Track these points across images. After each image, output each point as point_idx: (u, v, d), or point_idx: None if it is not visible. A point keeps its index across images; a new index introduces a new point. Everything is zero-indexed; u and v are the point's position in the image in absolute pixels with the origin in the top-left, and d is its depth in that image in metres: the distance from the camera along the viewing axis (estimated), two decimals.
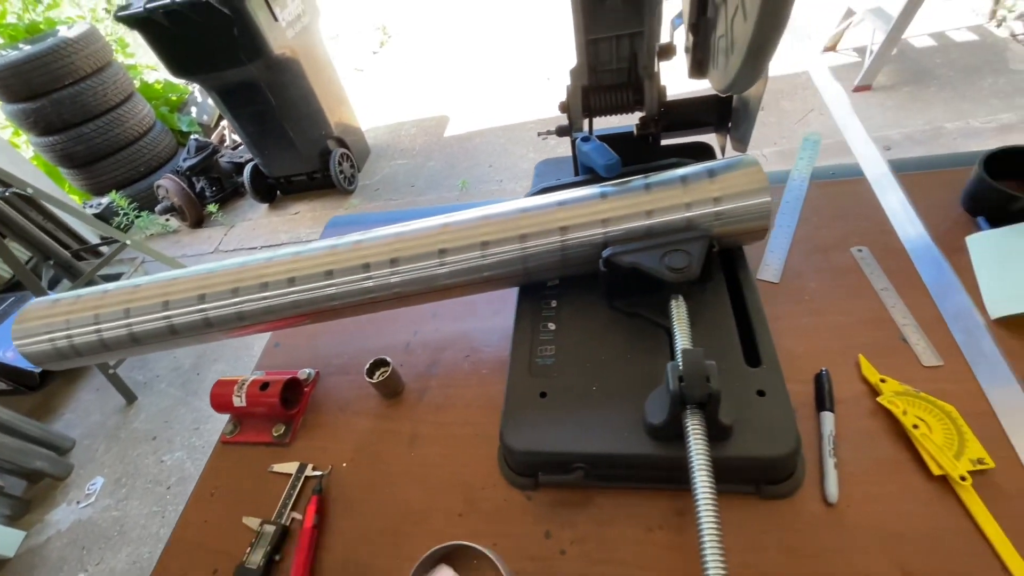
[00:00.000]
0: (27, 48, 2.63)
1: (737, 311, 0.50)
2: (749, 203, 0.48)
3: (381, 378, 0.57)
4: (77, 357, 0.62)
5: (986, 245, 0.55)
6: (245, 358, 2.04)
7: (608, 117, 0.65)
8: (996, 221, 0.56)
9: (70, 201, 2.89)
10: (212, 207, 2.88)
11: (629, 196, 0.51)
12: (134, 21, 2.05)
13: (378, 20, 4.99)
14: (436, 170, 2.79)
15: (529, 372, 0.50)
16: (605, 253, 0.48)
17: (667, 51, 0.60)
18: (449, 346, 0.63)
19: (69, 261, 2.00)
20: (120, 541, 1.62)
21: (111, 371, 1.93)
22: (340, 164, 2.65)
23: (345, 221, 0.87)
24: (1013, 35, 2.43)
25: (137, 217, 2.91)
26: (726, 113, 0.63)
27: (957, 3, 2.76)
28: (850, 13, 2.50)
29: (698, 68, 0.57)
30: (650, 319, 0.51)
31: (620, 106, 0.63)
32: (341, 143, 2.70)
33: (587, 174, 0.61)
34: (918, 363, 0.49)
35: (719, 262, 0.54)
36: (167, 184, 2.77)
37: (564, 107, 0.64)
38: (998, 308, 0.50)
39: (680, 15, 0.61)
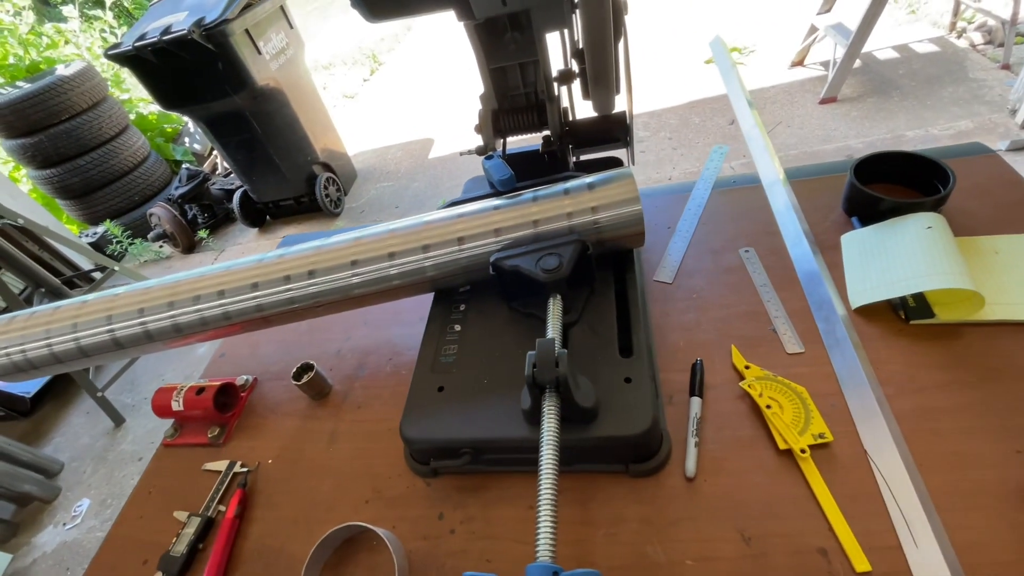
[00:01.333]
0: (26, 86, 2.75)
1: (620, 309, 0.55)
2: (622, 211, 0.53)
3: (307, 380, 0.62)
4: (33, 370, 0.67)
5: (855, 242, 0.60)
6: None
7: (521, 136, 0.72)
8: (867, 220, 0.61)
9: (64, 231, 2.98)
10: (203, 233, 2.96)
11: (518, 208, 0.56)
12: (124, 59, 2.15)
13: (368, 49, 5.16)
14: (420, 191, 2.87)
15: (432, 369, 0.55)
16: (492, 258, 0.54)
17: (567, 76, 0.66)
18: (375, 350, 0.68)
19: (60, 288, 2.07)
20: None
21: (99, 394, 1.98)
22: (326, 188, 2.73)
23: (295, 240, 0.92)
24: (972, 45, 2.51)
25: (131, 244, 2.99)
26: (626, 129, 0.69)
27: (919, 17, 2.85)
28: (814, 29, 2.60)
29: (587, 91, 0.63)
30: (540, 318, 0.55)
31: (527, 127, 0.69)
32: (327, 168, 2.79)
33: (492, 189, 0.66)
34: (783, 351, 0.53)
35: (610, 266, 0.59)
36: (159, 212, 2.85)
37: (478, 129, 0.70)
38: (857, 298, 0.55)
39: None
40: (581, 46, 0.61)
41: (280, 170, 2.63)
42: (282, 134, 2.54)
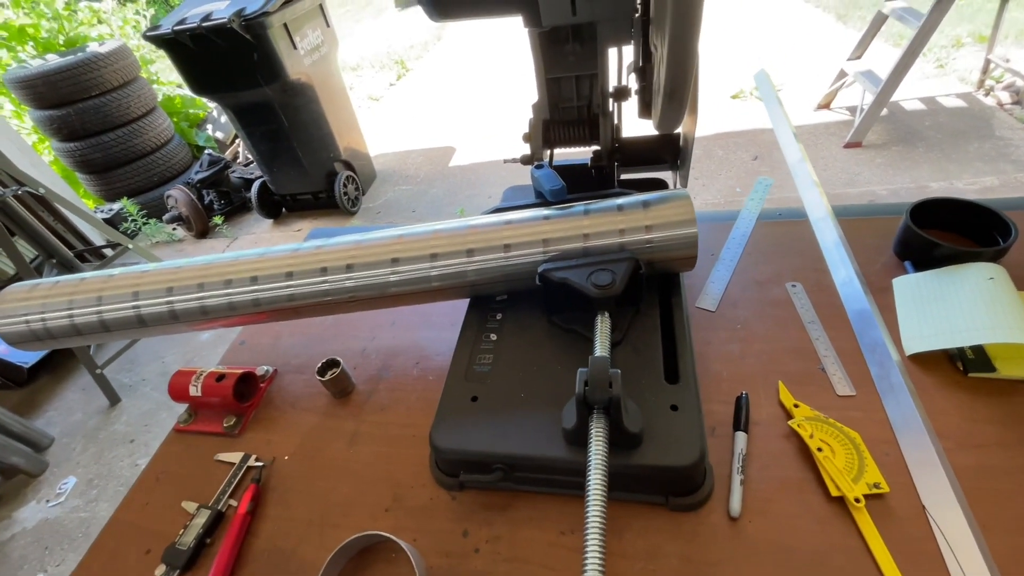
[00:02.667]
0: (59, 59, 2.78)
1: (666, 333, 0.53)
2: (677, 233, 0.52)
3: (331, 377, 0.60)
4: (51, 339, 0.65)
5: (909, 287, 0.58)
6: None
7: (568, 149, 0.71)
8: (921, 265, 0.60)
9: (81, 204, 2.98)
10: (218, 219, 2.96)
11: (569, 219, 0.54)
12: (161, 41, 2.17)
13: (397, 55, 5.23)
14: (438, 197, 2.87)
15: (465, 377, 0.53)
16: (540, 268, 0.52)
17: (622, 94, 0.65)
18: (402, 352, 0.66)
19: (72, 261, 2.06)
20: (84, 543, 1.60)
21: (98, 371, 1.95)
22: (345, 186, 2.74)
23: (324, 233, 0.91)
24: (1000, 104, 2.52)
25: (145, 224, 2.99)
26: (677, 153, 0.68)
27: (947, 71, 2.88)
28: (843, 74, 2.62)
29: (645, 109, 0.62)
30: (583, 334, 0.54)
31: (577, 139, 0.68)
32: (348, 166, 2.80)
33: (539, 199, 0.65)
34: (833, 392, 0.51)
35: (655, 288, 0.57)
36: (177, 194, 2.86)
37: (527, 138, 0.69)
38: (913, 345, 0.53)
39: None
40: (642, 63, 0.61)
41: (302, 164, 2.64)
42: (307, 129, 2.55)
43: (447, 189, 2.92)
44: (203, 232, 2.94)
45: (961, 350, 0.51)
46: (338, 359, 0.61)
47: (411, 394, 0.60)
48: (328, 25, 2.57)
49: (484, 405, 0.50)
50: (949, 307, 0.53)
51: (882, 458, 0.45)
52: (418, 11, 6.70)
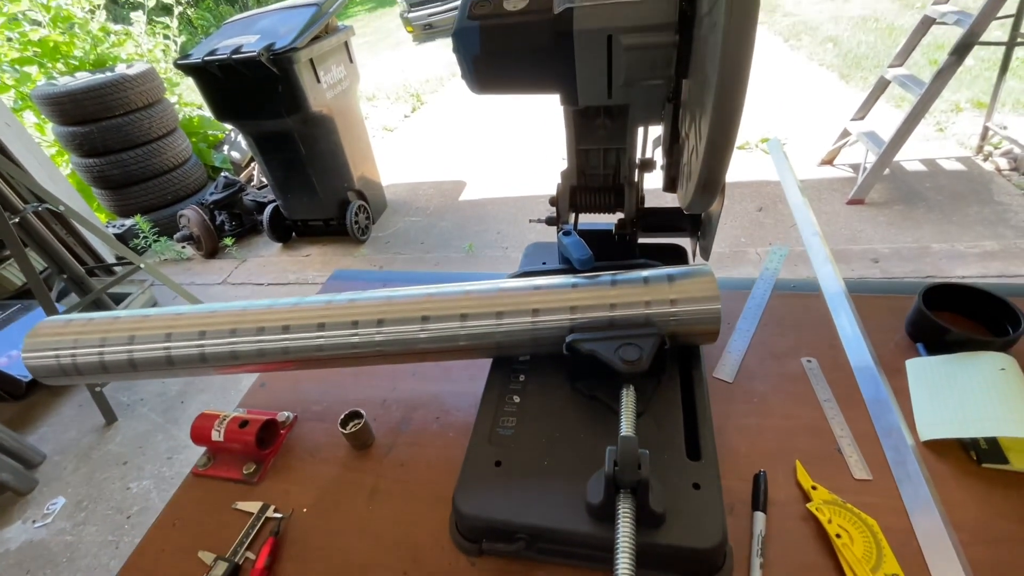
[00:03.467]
0: (88, 78, 2.87)
1: (686, 406, 0.55)
2: (701, 308, 0.54)
3: (353, 429, 0.61)
4: (77, 375, 0.66)
5: (922, 371, 0.60)
6: (232, 391, 2.06)
7: (592, 214, 0.73)
8: (933, 349, 0.61)
9: (95, 220, 3.02)
10: (228, 240, 2.99)
11: (596, 289, 0.56)
12: (191, 69, 2.25)
13: (413, 87, 5.38)
14: (447, 230, 2.91)
15: (489, 440, 0.54)
16: (568, 338, 0.54)
17: (647, 165, 0.68)
18: (423, 406, 0.67)
19: (82, 277, 2.07)
20: (67, 569, 1.56)
21: (98, 389, 1.94)
22: (357, 215, 2.78)
23: (347, 276, 0.93)
24: (998, 169, 2.60)
25: (155, 241, 3.02)
26: (698, 223, 0.70)
27: (947, 135, 2.97)
28: (846, 133, 2.70)
29: (671, 184, 0.65)
30: (606, 403, 0.55)
31: (603, 206, 0.71)
32: (360, 195, 2.85)
33: (565, 264, 0.67)
34: (850, 475, 0.52)
35: (676, 358, 0.59)
36: (190, 214, 2.90)
37: (554, 201, 0.72)
38: (928, 431, 0.54)
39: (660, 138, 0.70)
40: (670, 143, 0.64)
41: (315, 191, 2.69)
42: (324, 158, 2.61)
43: (456, 223, 2.97)
44: (212, 252, 2.97)
45: (975, 440, 0.52)
46: (361, 411, 0.62)
47: (431, 450, 0.61)
48: (351, 61, 2.67)
49: (508, 471, 0.51)
50: (962, 395, 0.54)
51: (900, 548, 0.46)
52: (435, 45, 6.92)
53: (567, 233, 0.66)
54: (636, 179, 0.69)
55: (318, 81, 2.37)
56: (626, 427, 0.47)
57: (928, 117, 3.10)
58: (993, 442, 0.51)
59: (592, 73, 0.53)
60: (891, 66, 2.50)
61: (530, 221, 0.79)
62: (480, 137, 4.03)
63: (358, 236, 2.82)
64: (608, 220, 0.75)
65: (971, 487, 0.49)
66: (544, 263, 0.78)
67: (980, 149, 2.72)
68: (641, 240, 0.77)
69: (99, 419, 2.01)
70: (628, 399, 0.50)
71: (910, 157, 2.76)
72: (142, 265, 2.08)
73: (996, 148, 2.70)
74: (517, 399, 0.58)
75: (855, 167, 2.73)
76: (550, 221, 0.74)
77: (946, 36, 2.85)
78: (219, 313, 0.63)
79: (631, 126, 0.62)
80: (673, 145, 0.62)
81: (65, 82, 2.88)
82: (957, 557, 0.44)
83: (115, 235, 2.96)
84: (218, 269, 2.90)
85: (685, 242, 0.75)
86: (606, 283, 0.57)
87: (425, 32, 7.36)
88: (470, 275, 0.90)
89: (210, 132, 3.83)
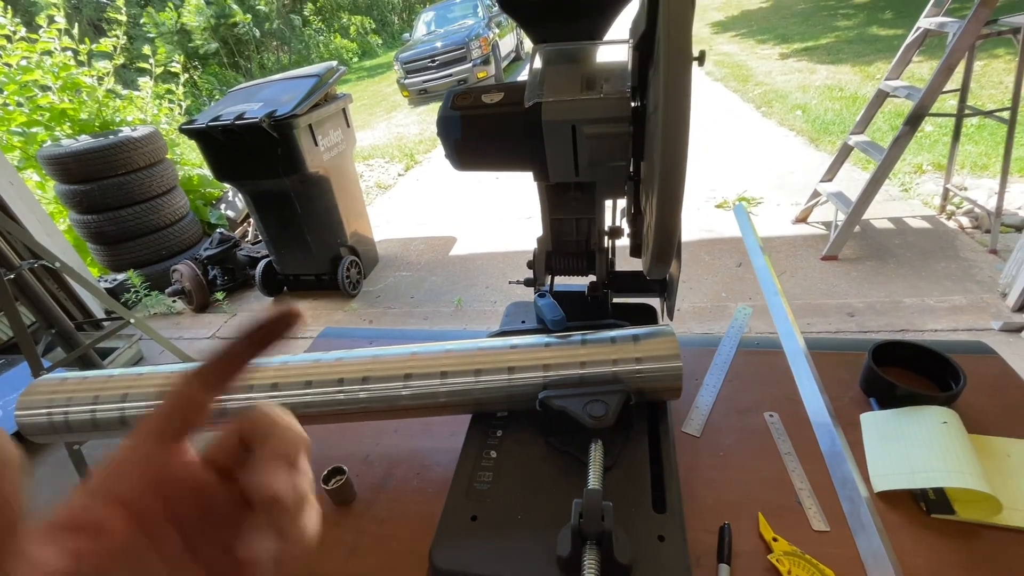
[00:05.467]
0: (92, 140, 2.99)
1: (654, 460, 0.58)
2: (664, 366, 0.58)
3: (335, 485, 0.62)
4: (68, 432, 0.68)
5: (874, 424, 0.64)
6: None
7: (568, 277, 0.79)
8: (884, 403, 0.66)
9: (88, 275, 3.05)
10: (220, 294, 3.02)
11: (568, 348, 0.61)
12: (194, 133, 2.37)
13: (407, 147, 5.62)
14: (436, 285, 2.97)
15: (466, 495, 0.56)
16: (541, 395, 0.57)
17: (616, 232, 0.75)
18: (404, 461, 0.69)
19: (71, 332, 2.08)
20: None
21: (76, 447, 1.90)
22: (348, 270, 2.84)
23: (336, 333, 0.97)
24: (962, 227, 2.74)
25: (146, 296, 3.04)
26: (664, 284, 0.76)
27: (911, 195, 3.14)
28: (817, 194, 2.85)
29: (636, 250, 0.71)
30: (577, 457, 0.58)
31: (576, 270, 0.76)
32: (353, 251, 2.92)
33: (540, 324, 0.71)
34: (809, 526, 0.55)
35: (644, 414, 0.62)
36: (183, 268, 2.94)
37: (531, 264, 0.78)
38: (880, 482, 0.57)
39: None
40: (633, 212, 0.70)
41: (309, 247, 2.76)
42: (318, 216, 2.70)
43: (446, 278, 3.03)
44: (203, 306, 2.99)
45: (923, 490, 0.55)
46: (343, 467, 0.64)
47: (411, 506, 0.63)
48: (348, 126, 2.82)
49: (484, 525, 0.53)
50: (910, 447, 0.58)
51: None
52: (428, 108, 7.24)
53: (542, 295, 0.71)
54: (606, 245, 0.75)
55: (316, 144, 2.50)
56: (592, 480, 0.50)
57: (893, 178, 3.30)
58: (941, 492, 0.55)
59: (560, 156, 0.60)
60: (853, 133, 2.69)
61: (510, 283, 0.84)
62: (470, 195, 4.18)
63: (349, 291, 2.87)
64: (582, 282, 0.81)
65: (921, 537, 0.52)
66: (523, 322, 0.83)
67: (943, 208, 2.88)
68: (616, 300, 0.82)
69: (75, 479, 1.95)
70: (596, 453, 0.53)
71: (879, 215, 2.91)
72: (131, 320, 2.10)
73: (958, 208, 2.85)
74: (494, 454, 0.61)
75: (827, 224, 2.86)
76: (528, 282, 0.79)
77: (905, 105, 3.08)
78: None
79: (598, 199, 0.69)
80: (636, 216, 0.69)
81: (69, 144, 2.99)
82: None
83: (106, 289, 2.98)
84: (207, 323, 2.91)
85: (655, 301, 0.81)
86: (576, 342, 0.62)
87: (420, 96, 7.77)
88: (454, 333, 0.94)
89: (208, 190, 3.95)
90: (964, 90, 2.46)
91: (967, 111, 2.49)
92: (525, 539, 0.51)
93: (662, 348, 0.59)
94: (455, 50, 7.29)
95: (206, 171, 3.89)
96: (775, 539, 0.53)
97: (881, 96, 2.57)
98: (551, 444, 0.60)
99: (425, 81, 7.51)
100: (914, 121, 2.24)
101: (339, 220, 2.78)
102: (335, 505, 0.64)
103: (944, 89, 2.22)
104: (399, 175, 5.01)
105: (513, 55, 9.18)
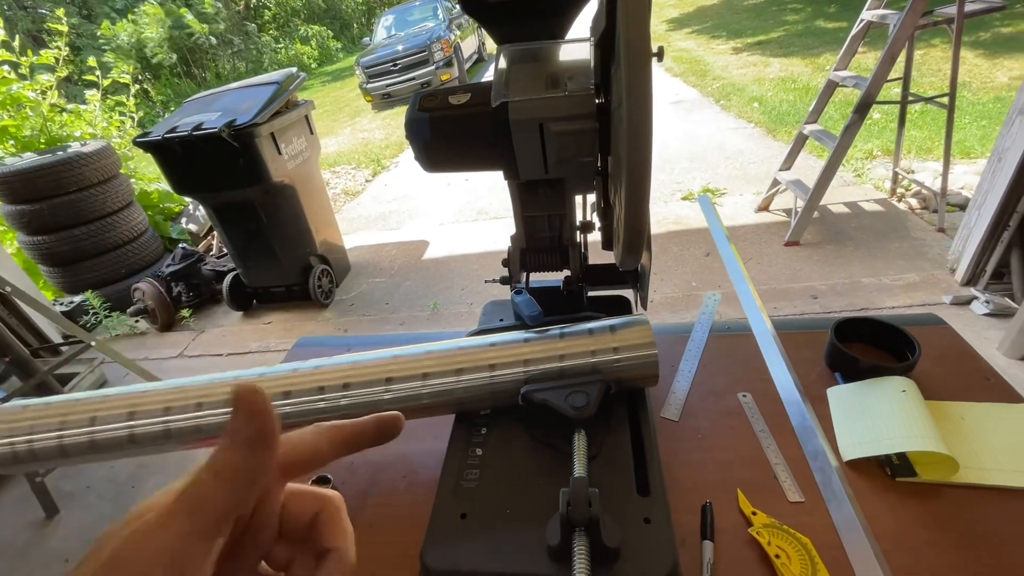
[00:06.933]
0: (37, 158, 2.85)
1: (636, 446, 0.59)
2: (640, 354, 0.60)
3: None
4: (33, 462, 0.65)
5: (840, 397, 0.67)
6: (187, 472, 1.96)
7: (543, 273, 0.80)
8: (848, 377, 0.69)
9: (42, 299, 2.91)
10: (185, 312, 2.93)
11: (547, 342, 0.62)
12: (150, 146, 2.29)
13: (373, 153, 5.55)
14: (411, 290, 2.95)
15: (454, 494, 0.56)
16: (523, 390, 0.58)
17: (588, 227, 0.76)
18: (389, 467, 0.69)
19: (26, 359, 1.98)
20: None
21: (38, 479, 1.81)
22: (319, 280, 2.79)
23: (311, 343, 0.96)
24: (912, 209, 2.88)
25: (107, 317, 2.92)
26: (637, 275, 0.78)
27: (864, 180, 3.28)
28: (776, 182, 2.95)
29: (608, 243, 0.72)
30: (561, 449, 0.59)
31: (550, 266, 0.77)
32: (323, 260, 2.87)
33: (518, 321, 0.72)
34: (785, 498, 0.57)
35: (625, 402, 0.64)
36: (144, 287, 2.84)
37: (506, 263, 0.79)
38: (848, 452, 0.60)
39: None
40: (603, 206, 0.72)
41: (278, 258, 2.70)
42: (285, 226, 2.64)
43: (420, 282, 3.01)
44: (168, 325, 2.89)
45: (888, 456, 0.58)
46: (328, 476, 0.63)
47: (399, 510, 0.63)
48: (312, 133, 2.77)
49: (473, 522, 0.53)
50: (874, 417, 0.61)
51: (831, 563, 0.50)
52: (393, 112, 7.16)
53: (519, 292, 0.72)
54: (578, 240, 0.76)
55: (279, 153, 2.45)
56: (578, 469, 0.51)
57: (847, 165, 3.44)
58: (903, 457, 0.58)
59: (529, 154, 0.61)
60: (807, 123, 2.80)
61: (486, 282, 0.85)
62: (440, 198, 4.16)
63: (321, 300, 2.82)
64: (556, 277, 0.82)
65: (888, 500, 0.55)
66: (501, 320, 0.83)
67: (893, 192, 3.02)
68: (591, 292, 0.83)
69: (38, 513, 1.86)
70: (580, 443, 0.54)
71: (836, 200, 3.04)
72: (92, 343, 2.01)
73: (907, 190, 3.00)
74: (479, 452, 0.61)
75: (788, 212, 2.97)
76: (504, 281, 0.80)
77: (854, 94, 3.21)
78: (184, 388, 0.64)
79: (569, 195, 0.70)
80: (606, 210, 0.71)
81: (13, 162, 2.85)
82: (880, 567, 0.49)
83: (62, 313, 2.85)
84: (174, 342, 2.82)
85: (629, 292, 0.83)
86: (555, 336, 0.63)
87: (383, 100, 7.69)
88: (431, 335, 0.94)
89: (167, 205, 3.82)
90: (907, 78, 2.59)
91: (910, 98, 2.62)
92: (515, 532, 0.52)
93: (638, 337, 0.61)
94: (417, 53, 7.24)
95: (165, 185, 3.76)
96: (754, 513, 0.55)
97: (831, 86, 2.68)
98: (535, 438, 0.61)
99: (388, 85, 7.44)
100: (862, 109, 2.34)
101: (307, 229, 2.73)
102: None
103: (888, 78, 2.34)
104: (367, 181, 4.95)
105: (476, 57, 9.17)
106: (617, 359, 0.60)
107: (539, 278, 0.83)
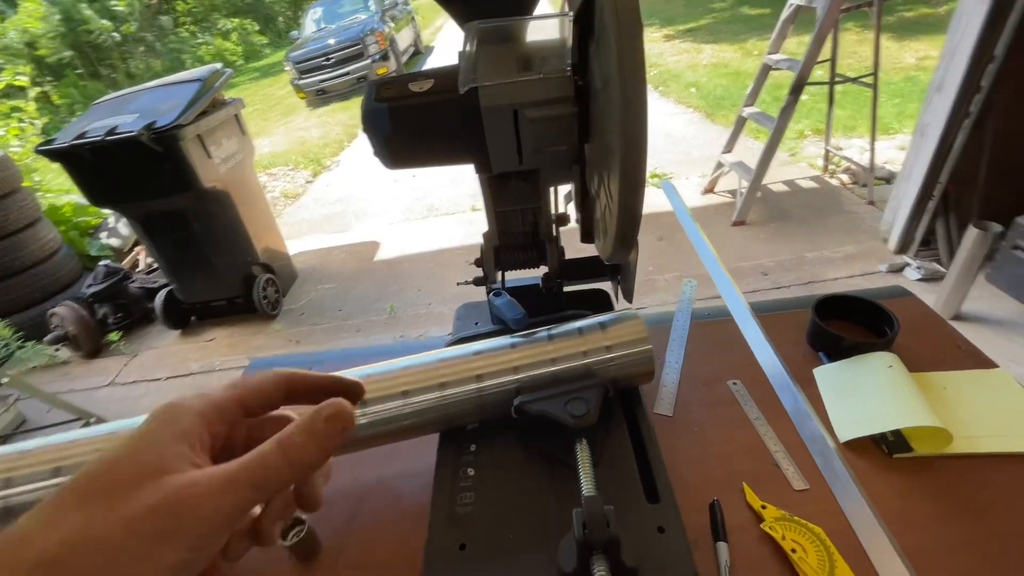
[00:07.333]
0: None
1: (637, 449, 0.56)
2: (634, 351, 0.57)
3: (295, 539, 0.55)
4: None
5: (828, 377, 0.67)
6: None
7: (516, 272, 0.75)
8: (833, 356, 0.69)
9: None
10: (114, 335, 2.68)
11: (536, 346, 0.57)
12: (55, 154, 2.05)
13: (312, 152, 5.30)
14: (364, 294, 2.83)
15: (449, 522, 0.51)
16: (516, 401, 0.53)
17: (562, 220, 0.72)
18: (371, 495, 0.62)
19: None
20: None
21: None
22: (264, 289, 2.62)
23: (266, 363, 0.87)
24: (843, 184, 3.05)
25: (20, 348, 2.62)
26: (617, 268, 0.75)
27: (799, 159, 3.45)
28: (720, 165, 3.04)
29: (587, 236, 0.68)
30: (560, 458, 0.55)
31: (527, 263, 0.73)
32: (267, 268, 2.70)
33: (498, 324, 0.67)
34: (790, 487, 0.56)
35: (619, 403, 0.60)
36: (62, 311, 2.56)
37: (479, 262, 0.73)
38: (845, 432, 0.60)
39: (570, 193, 0.75)
40: (581, 198, 0.68)
41: (215, 270, 2.51)
42: (222, 234, 2.46)
43: (374, 284, 2.90)
44: (94, 351, 2.63)
45: (883, 434, 0.58)
46: (302, 516, 0.56)
47: (388, 543, 0.57)
48: (244, 133, 2.58)
49: (474, 552, 0.48)
50: (864, 395, 0.61)
51: (845, 550, 0.49)
52: (330, 109, 6.87)
53: (497, 294, 0.67)
54: (555, 234, 0.72)
55: (208, 156, 2.26)
56: (587, 484, 0.47)
57: (782, 145, 3.59)
58: (898, 433, 0.58)
59: (502, 144, 0.55)
60: (745, 106, 2.89)
61: (458, 284, 0.79)
62: (387, 196, 4.02)
63: (268, 311, 2.65)
64: (530, 275, 0.78)
65: (889, 479, 0.55)
66: (477, 323, 0.78)
67: (826, 168, 3.19)
68: (567, 288, 0.80)
69: None
70: (583, 454, 0.50)
71: (775, 180, 3.17)
72: (4, 379, 1.79)
73: (838, 167, 3.17)
74: (472, 471, 0.56)
75: (733, 192, 3.07)
76: (478, 282, 0.75)
77: (785, 76, 3.35)
78: (121, 433, 0.55)
79: (543, 186, 0.66)
80: (584, 200, 0.67)
81: None
82: (895, 550, 0.48)
83: None
84: (103, 370, 2.57)
85: (605, 284, 0.80)
86: (543, 339, 0.58)
87: (318, 97, 7.35)
88: (401, 347, 0.88)
89: (82, 219, 3.47)
90: (834, 60, 2.72)
91: (838, 79, 2.76)
92: (523, 560, 0.47)
93: (630, 333, 0.58)
94: (350, 46, 6.96)
95: (80, 197, 3.41)
96: (763, 507, 0.53)
97: (766, 70, 2.77)
98: (531, 450, 0.57)
99: (322, 81, 7.12)
100: (797, 90, 2.44)
101: (246, 236, 2.55)
102: (299, 562, 0.56)
103: (818, 59, 2.44)
104: (307, 182, 4.71)
105: (412, 49, 8.94)
106: (611, 358, 0.56)
107: (512, 276, 0.78)
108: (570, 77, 0.52)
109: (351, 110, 6.75)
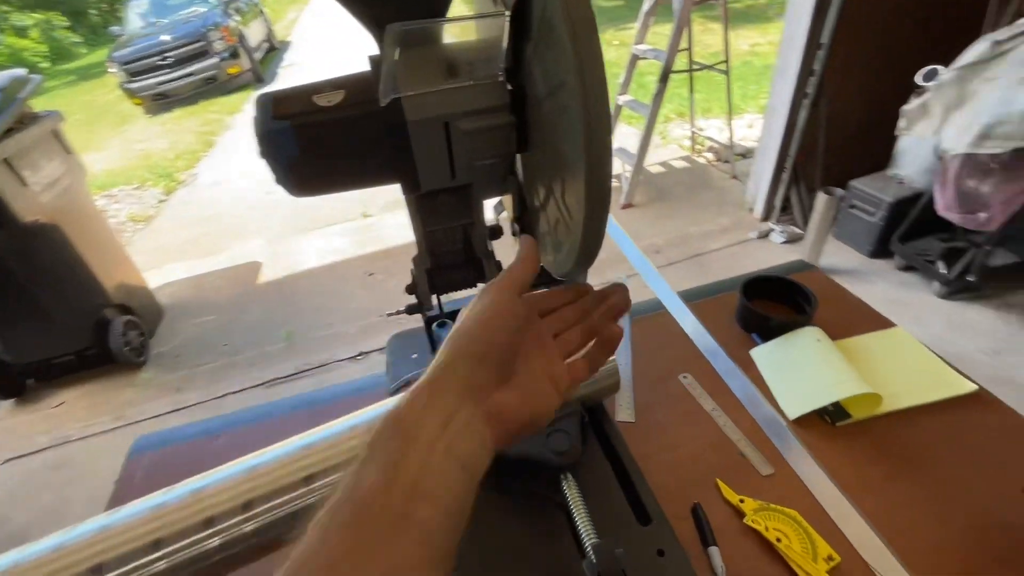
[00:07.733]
0: None
1: (615, 468, 0.54)
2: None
3: None
4: None
5: (765, 357, 0.70)
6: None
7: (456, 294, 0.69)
8: (765, 336, 0.73)
9: None
10: None
11: None
12: None
13: (160, 167, 4.63)
14: (253, 323, 2.53)
15: None
16: None
17: (495, 232, 0.67)
18: None
19: None
20: None
21: None
22: (125, 334, 2.23)
23: (151, 443, 0.71)
24: (710, 162, 3.35)
25: None
26: (560, 281, 0.72)
27: (669, 141, 3.73)
28: None
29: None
30: (541, 492, 0.50)
31: (464, 283, 0.67)
32: (125, 309, 2.29)
33: None
34: (758, 474, 0.57)
35: (590, 429, 0.58)
36: None
37: (411, 289, 0.66)
38: (792, 410, 0.63)
39: (500, 203, 0.70)
40: (520, 213, 0.63)
41: (53, 320, 2.07)
42: (56, 276, 2.03)
43: (263, 310, 2.60)
44: None
45: (824, 406, 0.62)
46: None
47: None
48: (69, 152, 2.15)
49: None
50: (801, 371, 0.65)
51: (820, 527, 0.51)
52: (174, 116, 6.06)
53: (441, 324, 0.60)
54: (491, 249, 0.67)
55: (24, 184, 1.84)
56: (586, 527, 0.43)
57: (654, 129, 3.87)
58: (836, 403, 0.62)
59: (432, 160, 0.49)
60: (620, 95, 3.04)
61: (388, 315, 0.71)
62: (261, 209, 3.63)
63: (133, 359, 2.26)
64: (471, 294, 0.72)
65: (837, 447, 0.59)
66: (414, 356, 0.71)
67: (693, 148, 3.49)
68: None
69: None
70: (571, 491, 0.46)
71: (652, 162, 3.39)
72: None
73: (703, 146, 3.49)
74: None
75: (618, 177, 3.23)
76: (411, 310, 0.67)
77: (651, 65, 3.58)
78: None
79: (476, 200, 0.60)
80: (523, 214, 0.62)
81: None
82: (863, 519, 0.51)
83: None
84: None
85: None
86: None
87: (158, 102, 6.42)
88: (323, 393, 0.77)
89: None
90: (691, 49, 2.97)
91: (696, 66, 3.02)
92: None
93: None
94: (191, 43, 6.16)
95: None
96: (741, 500, 0.54)
97: (634, 60, 2.94)
98: (510, 493, 0.52)
99: (160, 83, 6.22)
100: (665, 78, 2.62)
101: (89, 275, 2.13)
102: None
103: (679, 48, 2.64)
104: (160, 201, 4.09)
105: (267, 45, 8.16)
106: None
107: (448, 299, 0.72)
108: (504, 83, 0.47)
109: (200, 115, 6.00)
